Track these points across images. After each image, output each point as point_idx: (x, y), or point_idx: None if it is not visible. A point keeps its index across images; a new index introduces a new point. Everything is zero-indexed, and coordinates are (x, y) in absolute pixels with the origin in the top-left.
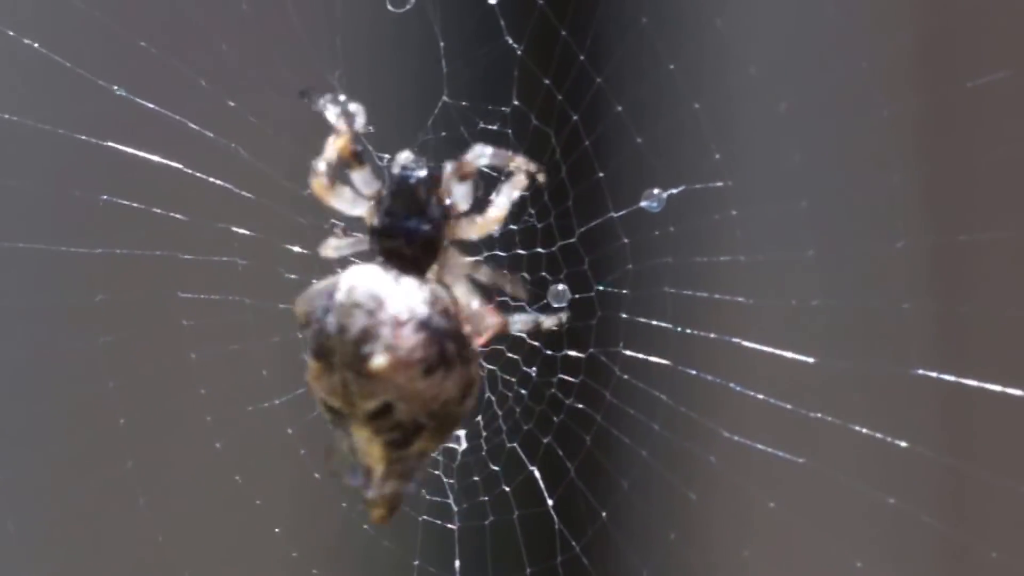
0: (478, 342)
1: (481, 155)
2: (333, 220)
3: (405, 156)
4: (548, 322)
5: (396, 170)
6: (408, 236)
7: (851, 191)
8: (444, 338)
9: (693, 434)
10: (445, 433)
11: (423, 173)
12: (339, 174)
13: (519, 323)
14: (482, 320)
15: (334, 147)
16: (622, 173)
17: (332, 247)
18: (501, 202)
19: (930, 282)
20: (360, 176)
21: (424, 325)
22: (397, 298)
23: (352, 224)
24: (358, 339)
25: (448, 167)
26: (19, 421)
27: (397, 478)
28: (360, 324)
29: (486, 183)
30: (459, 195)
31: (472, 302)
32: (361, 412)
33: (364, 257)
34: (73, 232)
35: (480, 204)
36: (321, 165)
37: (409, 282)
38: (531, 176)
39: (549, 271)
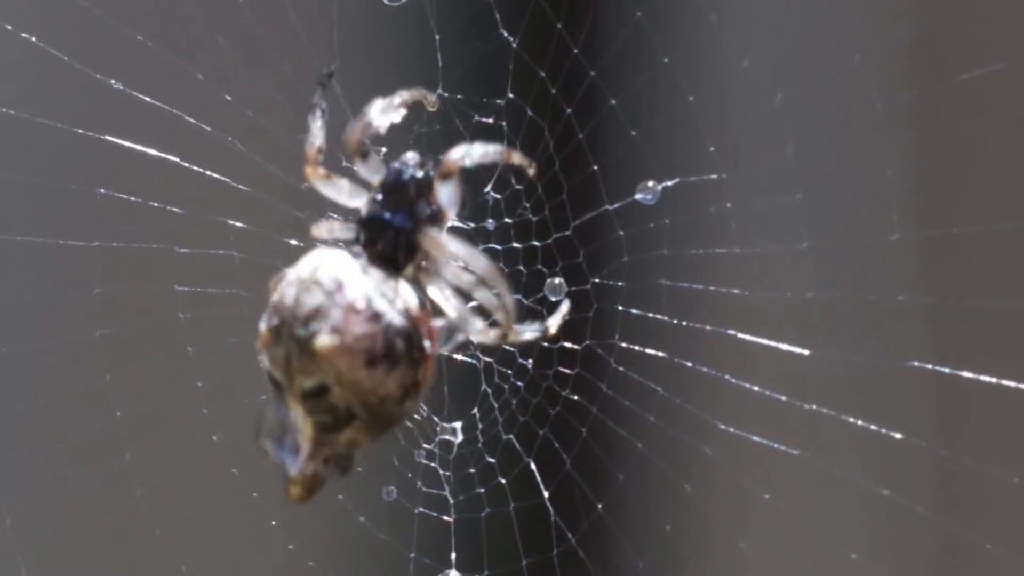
0: (432, 348)
1: (467, 155)
2: (331, 214)
3: (411, 156)
4: (554, 325)
5: (394, 165)
6: (386, 231)
7: (846, 184)
8: (396, 335)
9: (688, 426)
10: (378, 429)
11: (417, 173)
12: (337, 164)
13: (527, 332)
14: (465, 323)
15: (321, 135)
16: (617, 166)
17: (325, 229)
18: (473, 264)
19: (924, 274)
20: (366, 167)
21: (377, 318)
22: (357, 286)
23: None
24: (309, 315)
25: (447, 155)
26: (16, 414)
27: (323, 462)
28: (315, 302)
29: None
30: (443, 197)
31: (456, 306)
32: (298, 388)
33: (350, 244)
34: (70, 225)
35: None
36: (315, 152)
37: (376, 274)
38: (523, 168)
39: (544, 264)
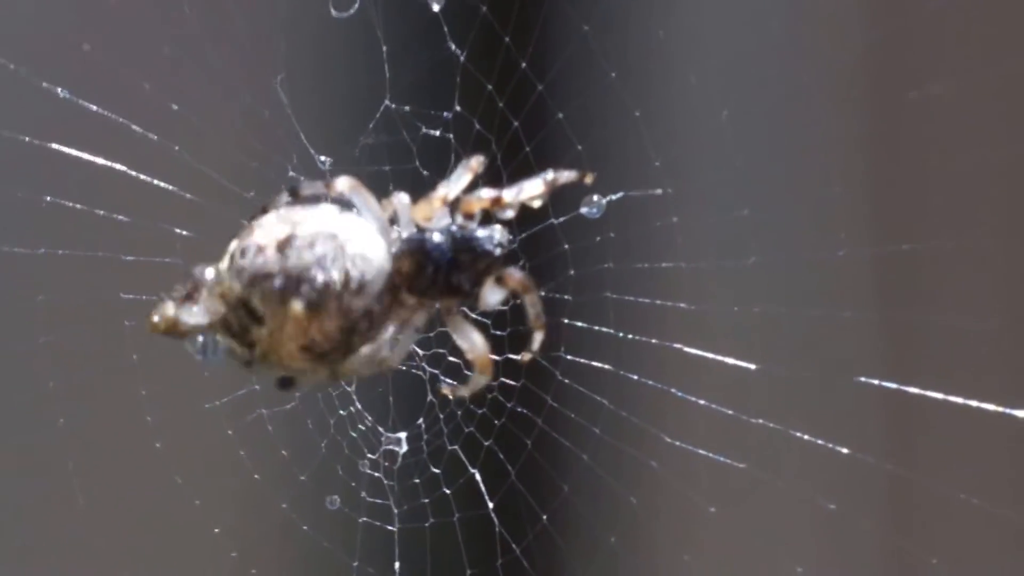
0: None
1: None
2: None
3: (499, 231)
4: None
5: (481, 231)
6: (425, 266)
7: (793, 200)
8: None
9: (634, 439)
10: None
11: (494, 250)
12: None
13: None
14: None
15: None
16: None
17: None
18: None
19: (872, 290)
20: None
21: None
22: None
23: None
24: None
25: (515, 273)
26: None
27: (190, 320)
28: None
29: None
30: (490, 295)
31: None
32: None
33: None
34: (16, 232)
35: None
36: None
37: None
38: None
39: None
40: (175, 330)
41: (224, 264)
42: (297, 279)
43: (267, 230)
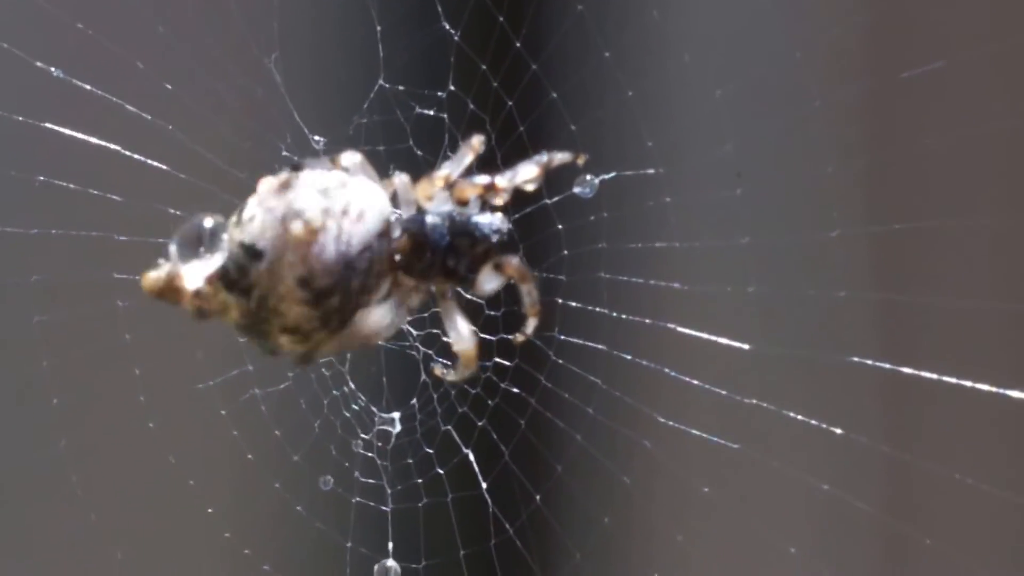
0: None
1: (523, 267)
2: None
3: (500, 219)
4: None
5: (482, 217)
6: (423, 249)
7: (787, 180)
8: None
9: (628, 419)
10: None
11: (492, 238)
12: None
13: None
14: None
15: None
16: None
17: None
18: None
19: (866, 270)
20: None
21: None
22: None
23: None
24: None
25: (513, 261)
26: None
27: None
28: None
29: None
30: (486, 281)
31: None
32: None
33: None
34: (9, 212)
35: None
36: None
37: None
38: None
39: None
40: (170, 290)
41: (228, 222)
42: (298, 207)
43: (268, 182)
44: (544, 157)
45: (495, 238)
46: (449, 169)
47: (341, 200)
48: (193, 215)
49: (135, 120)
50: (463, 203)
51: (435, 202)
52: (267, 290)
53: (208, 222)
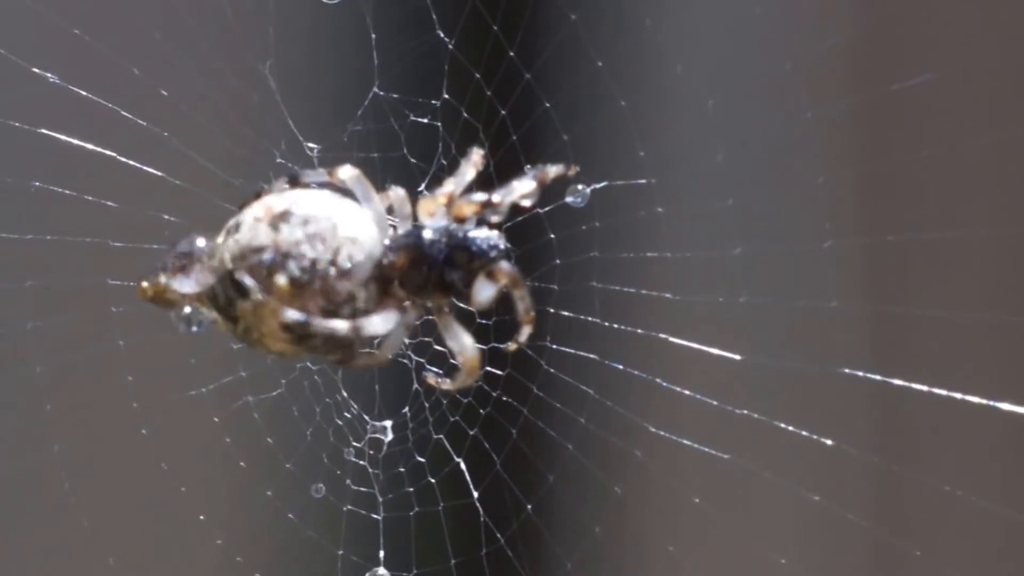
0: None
1: (515, 273)
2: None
3: (497, 236)
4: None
5: (480, 233)
6: (419, 263)
7: (778, 190)
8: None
9: (619, 428)
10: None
11: (489, 252)
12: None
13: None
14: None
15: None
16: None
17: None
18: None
19: (857, 281)
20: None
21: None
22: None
23: None
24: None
25: (505, 267)
26: None
27: (180, 289)
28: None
29: None
30: (481, 291)
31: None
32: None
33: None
34: (4, 218)
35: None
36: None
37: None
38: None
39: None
40: (163, 298)
41: (219, 238)
42: (286, 254)
43: (263, 206)
44: (538, 171)
45: (493, 254)
46: (452, 186)
47: (330, 248)
48: (186, 235)
49: (130, 126)
50: (460, 220)
51: (434, 218)
52: (251, 324)
53: (201, 242)
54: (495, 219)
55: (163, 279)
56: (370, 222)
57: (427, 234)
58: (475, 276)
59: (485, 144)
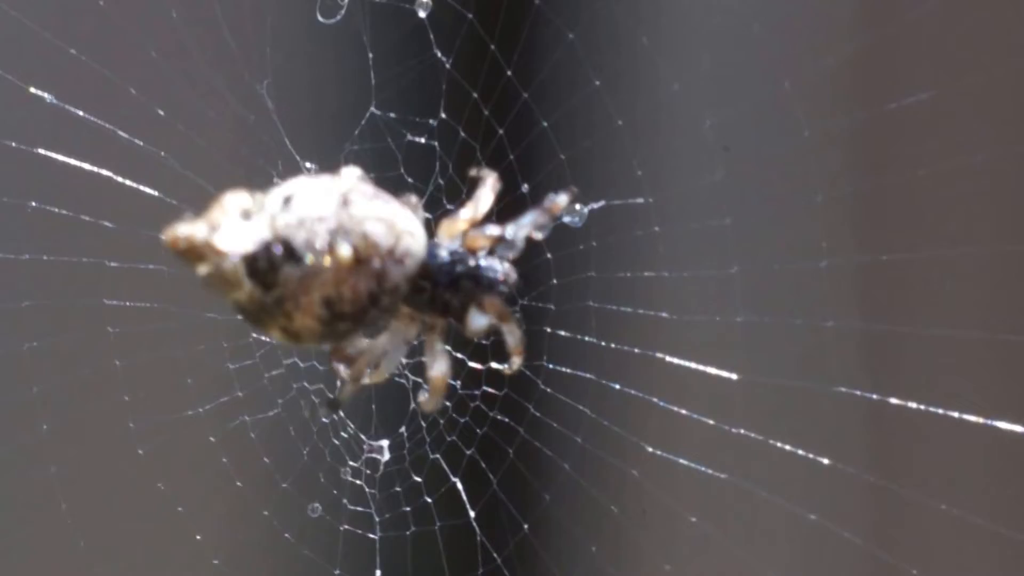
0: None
1: (515, 335)
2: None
3: (508, 268)
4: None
5: (488, 263)
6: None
7: (775, 209)
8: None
9: (616, 448)
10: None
11: (499, 282)
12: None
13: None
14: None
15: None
16: (546, 188)
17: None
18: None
19: (854, 301)
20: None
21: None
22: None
23: None
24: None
25: (494, 299)
26: None
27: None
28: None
29: None
30: (474, 320)
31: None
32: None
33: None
34: (1, 237)
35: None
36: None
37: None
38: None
39: None
40: (194, 253)
41: (271, 198)
42: (351, 228)
43: (320, 183)
44: (549, 202)
45: (493, 286)
46: (473, 211)
47: (392, 236)
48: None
49: (127, 146)
50: (473, 252)
51: (453, 241)
52: (289, 295)
53: (246, 200)
54: (511, 255)
55: (203, 231)
56: (420, 225)
57: (445, 254)
58: (470, 299)
59: (482, 163)
